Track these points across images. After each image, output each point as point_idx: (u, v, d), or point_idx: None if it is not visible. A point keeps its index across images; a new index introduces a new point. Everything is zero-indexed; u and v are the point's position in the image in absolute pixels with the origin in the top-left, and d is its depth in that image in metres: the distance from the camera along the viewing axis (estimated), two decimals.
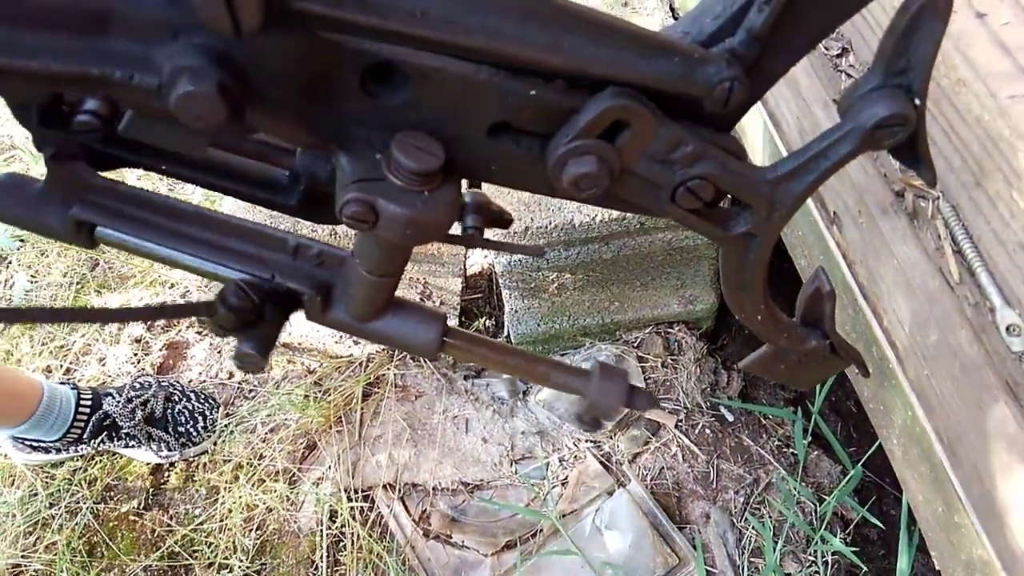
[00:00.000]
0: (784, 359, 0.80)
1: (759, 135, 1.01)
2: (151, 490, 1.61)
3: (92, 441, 1.54)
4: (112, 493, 1.61)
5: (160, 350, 1.79)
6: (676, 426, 1.59)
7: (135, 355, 1.78)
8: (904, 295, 0.73)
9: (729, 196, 0.56)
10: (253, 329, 0.60)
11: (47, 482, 1.61)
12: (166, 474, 1.62)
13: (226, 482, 1.59)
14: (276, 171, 0.64)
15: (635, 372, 1.64)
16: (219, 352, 1.79)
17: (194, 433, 1.60)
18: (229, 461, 1.61)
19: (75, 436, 1.53)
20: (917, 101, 0.59)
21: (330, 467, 1.58)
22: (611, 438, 1.59)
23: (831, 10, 0.55)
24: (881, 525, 1.45)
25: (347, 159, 0.50)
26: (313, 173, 0.62)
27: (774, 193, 0.62)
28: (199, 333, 1.83)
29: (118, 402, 1.53)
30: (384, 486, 1.56)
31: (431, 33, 0.43)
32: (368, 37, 0.44)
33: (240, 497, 1.55)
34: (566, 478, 1.55)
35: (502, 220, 0.70)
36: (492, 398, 1.66)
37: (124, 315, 0.64)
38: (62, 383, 1.55)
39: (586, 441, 1.59)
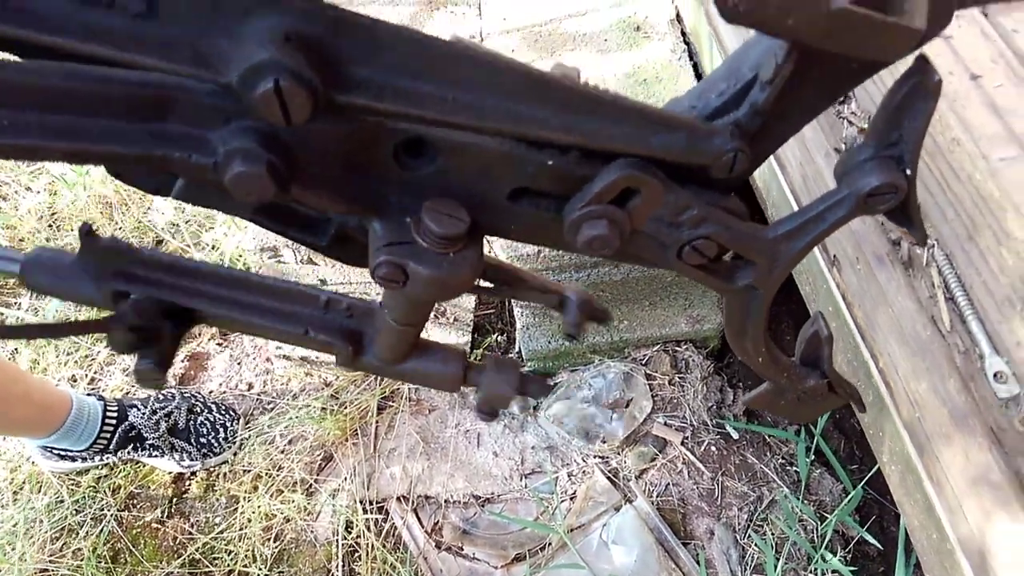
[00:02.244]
0: (784, 396, 0.85)
1: (765, 177, 1.05)
2: (173, 498, 1.66)
3: (118, 451, 1.60)
4: (135, 501, 1.66)
5: (182, 361, 1.85)
6: (682, 443, 1.63)
7: (132, 386, 1.83)
8: (898, 342, 0.77)
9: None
10: (151, 347, 0.64)
11: (73, 489, 1.67)
12: (188, 483, 1.68)
13: (245, 492, 1.64)
14: (309, 211, 0.68)
15: (643, 389, 1.69)
16: (239, 364, 1.84)
17: (215, 444, 1.66)
18: (248, 471, 1.66)
19: (102, 446, 1.58)
20: (908, 171, 0.64)
21: (346, 479, 1.63)
22: (619, 454, 1.63)
23: (828, 88, 0.60)
24: (880, 545, 1.49)
25: (380, 223, 0.55)
26: (344, 218, 0.67)
27: (774, 251, 0.67)
28: (219, 345, 1.88)
29: (143, 414, 1.59)
30: (398, 498, 1.61)
31: (460, 119, 0.48)
32: (404, 121, 0.49)
33: (259, 507, 1.61)
34: (574, 493, 1.59)
35: (602, 316, 0.77)
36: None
37: (24, 332, 0.69)
38: (89, 395, 1.60)
39: (594, 456, 1.63)
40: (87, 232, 0.62)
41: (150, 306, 0.63)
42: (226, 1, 0.41)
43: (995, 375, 0.74)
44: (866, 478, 1.47)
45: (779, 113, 0.56)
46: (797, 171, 0.94)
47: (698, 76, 1.66)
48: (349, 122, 0.47)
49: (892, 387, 0.81)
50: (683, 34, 1.74)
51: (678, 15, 1.78)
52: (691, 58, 1.68)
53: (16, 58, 0.44)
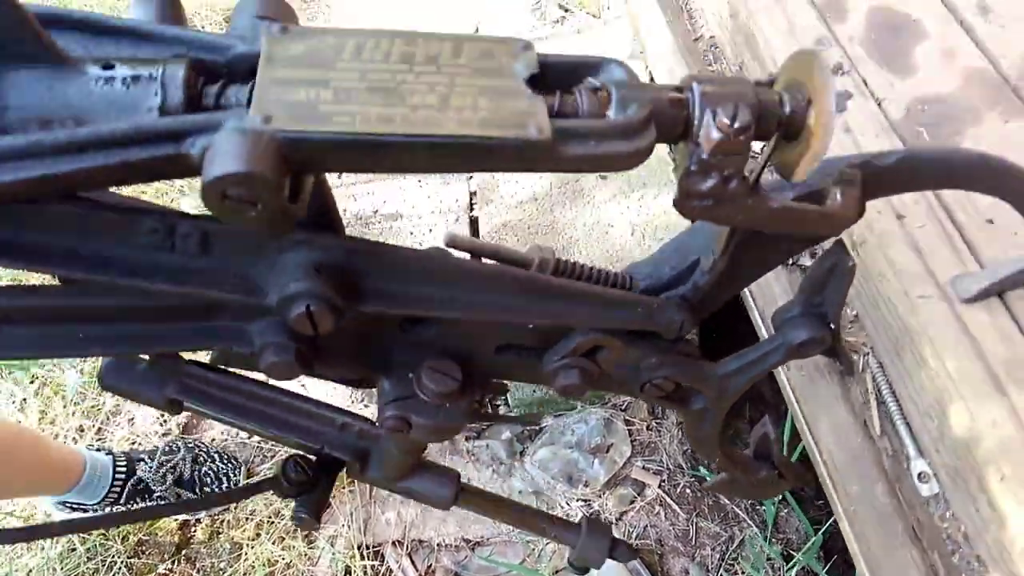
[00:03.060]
0: (741, 483, 0.96)
1: None
2: (180, 545, 1.75)
3: (128, 503, 1.69)
4: (144, 548, 1.76)
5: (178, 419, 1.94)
6: (660, 486, 1.74)
7: (161, 415, 1.92)
8: (836, 445, 0.87)
9: None
10: (309, 495, 0.77)
11: (84, 538, 1.76)
12: (193, 530, 1.77)
13: (248, 538, 1.73)
14: None
15: (623, 434, 1.79)
16: None
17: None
18: (251, 519, 1.75)
19: (113, 499, 1.67)
20: (832, 326, 0.76)
21: (343, 524, 1.73)
22: (600, 496, 1.74)
23: (759, 268, 0.71)
24: None
25: (387, 381, 0.66)
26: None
27: (722, 385, 0.79)
28: None
29: (150, 467, 1.68)
30: (393, 543, 1.71)
31: (457, 313, 0.58)
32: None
33: (262, 553, 1.70)
34: None
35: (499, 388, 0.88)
36: (492, 458, 1.80)
37: (199, 504, 0.80)
38: (98, 450, 1.69)
39: (577, 500, 1.74)
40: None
41: (307, 463, 0.74)
42: (266, 242, 0.51)
43: (919, 475, 0.85)
44: (829, 523, 1.58)
45: (718, 288, 0.68)
46: (759, 295, 1.05)
47: None
48: (365, 315, 0.57)
49: (833, 479, 0.92)
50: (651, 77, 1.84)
51: (651, 77, 1.88)
52: None
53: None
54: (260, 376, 0.60)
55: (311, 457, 0.76)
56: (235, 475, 1.78)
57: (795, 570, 1.57)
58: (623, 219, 1.67)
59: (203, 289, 0.52)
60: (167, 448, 1.74)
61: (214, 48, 0.47)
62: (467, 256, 0.67)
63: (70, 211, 0.47)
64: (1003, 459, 0.70)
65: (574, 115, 0.47)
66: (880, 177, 0.62)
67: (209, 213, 0.40)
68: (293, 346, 0.58)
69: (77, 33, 0.47)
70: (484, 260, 0.66)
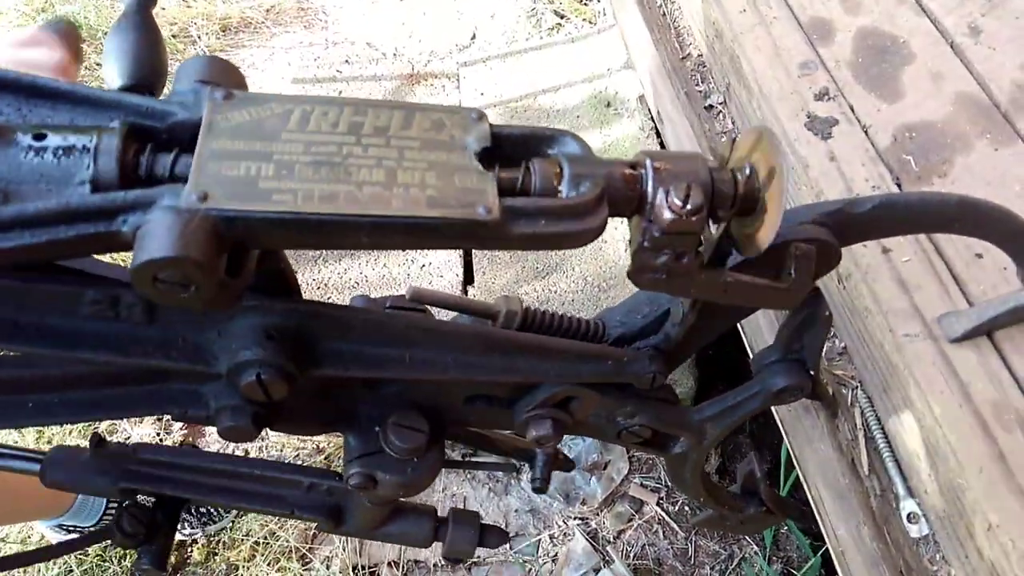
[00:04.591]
0: (729, 519, 0.94)
1: None
2: (177, 565, 1.75)
3: None
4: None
5: (181, 429, 1.93)
6: (658, 503, 1.72)
7: (158, 434, 1.92)
8: (823, 483, 0.85)
9: None
10: (150, 544, 0.74)
11: (81, 559, 1.76)
12: (189, 550, 1.77)
13: (244, 559, 1.73)
14: None
15: (620, 451, 1.77)
16: None
17: (214, 513, 1.75)
18: (246, 540, 1.75)
19: (108, 521, 1.67)
20: (812, 372, 0.74)
21: (339, 545, 1.72)
22: (598, 515, 1.72)
23: (728, 320, 0.70)
24: None
25: (352, 436, 0.65)
26: None
27: (700, 430, 0.77)
28: None
29: None
30: (389, 563, 1.70)
31: (417, 374, 0.57)
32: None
33: (257, 574, 1.70)
34: (556, 555, 1.68)
35: (568, 467, 0.87)
36: (488, 476, 1.79)
37: (41, 555, 0.79)
38: None
39: (575, 518, 1.72)
40: (97, 442, 0.71)
41: (141, 512, 0.72)
42: (213, 311, 0.50)
43: (908, 516, 0.83)
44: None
45: (690, 338, 0.66)
46: (750, 332, 1.03)
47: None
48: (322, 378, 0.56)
49: (822, 516, 0.90)
50: (651, 110, 1.82)
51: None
52: (658, 136, 1.76)
53: None
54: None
55: (146, 504, 0.73)
56: None
57: None
58: (616, 235, 1.65)
59: (151, 359, 0.50)
60: None
61: (154, 115, 0.45)
62: (434, 310, 0.66)
63: (8, 284, 0.46)
64: (990, 508, 0.68)
65: (526, 190, 0.45)
66: (856, 224, 0.60)
67: None
68: (250, 408, 0.56)
69: (11, 95, 0.45)
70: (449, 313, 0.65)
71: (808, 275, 0.55)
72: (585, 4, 2.43)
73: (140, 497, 0.71)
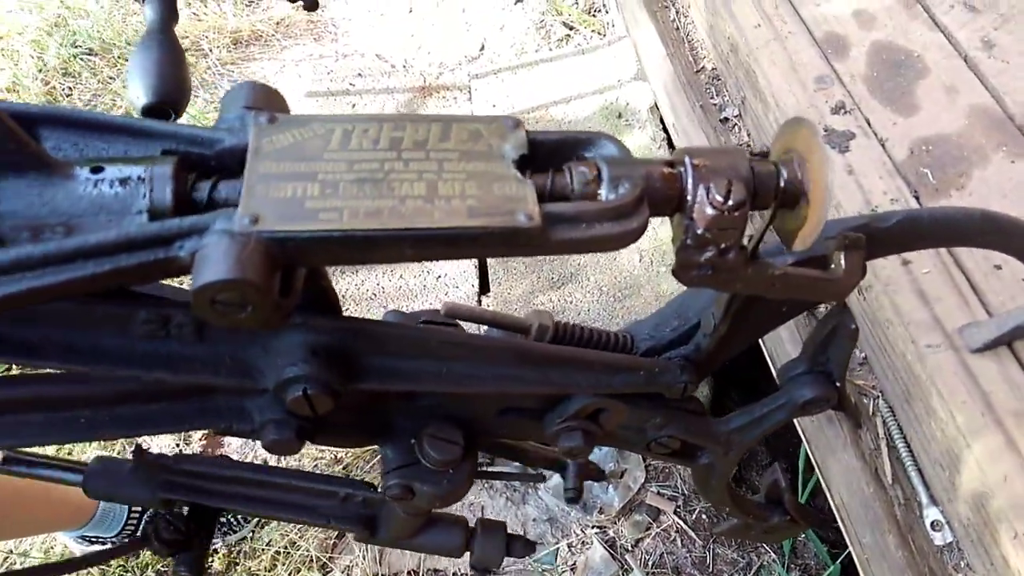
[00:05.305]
0: (753, 528, 0.95)
1: None
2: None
3: None
4: None
5: (200, 439, 1.95)
6: (675, 512, 1.73)
7: (177, 444, 1.94)
8: (847, 492, 0.86)
9: None
10: (187, 552, 0.76)
11: (104, 569, 1.77)
12: (210, 560, 1.78)
13: (264, 568, 1.74)
14: None
15: (636, 460, 1.78)
16: (254, 441, 1.95)
17: (234, 522, 1.76)
18: (267, 550, 1.76)
19: (130, 532, 1.69)
20: (837, 383, 0.75)
21: (359, 555, 1.73)
22: (615, 523, 1.73)
23: (760, 330, 0.71)
24: None
25: (390, 448, 0.66)
26: None
27: (728, 441, 0.78)
28: None
29: None
30: (408, 572, 1.71)
31: (455, 386, 0.58)
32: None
33: None
34: (575, 563, 1.69)
35: (599, 477, 0.89)
36: (505, 486, 1.80)
37: (75, 564, 0.80)
38: None
39: (592, 527, 1.73)
40: (138, 452, 0.73)
41: (179, 521, 0.74)
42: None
43: (932, 524, 0.84)
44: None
45: (720, 348, 0.67)
46: (772, 350, 1.04)
47: None
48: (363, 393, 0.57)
49: (845, 525, 0.91)
50: (662, 121, 1.83)
51: (656, 103, 1.87)
52: (670, 145, 1.77)
53: None
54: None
55: (182, 512, 0.74)
56: None
57: None
58: (631, 246, 1.66)
59: (199, 376, 0.52)
60: None
61: (202, 142, 0.47)
62: (470, 325, 0.67)
63: (65, 307, 0.47)
64: (1016, 517, 0.69)
65: (565, 195, 0.46)
66: (881, 239, 0.61)
67: None
68: (294, 422, 0.58)
69: (65, 130, 0.47)
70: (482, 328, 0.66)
71: (859, 264, 0.55)
72: (594, 15, 2.46)
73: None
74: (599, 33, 2.39)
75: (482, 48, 2.53)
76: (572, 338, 0.66)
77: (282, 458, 1.88)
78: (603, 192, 0.46)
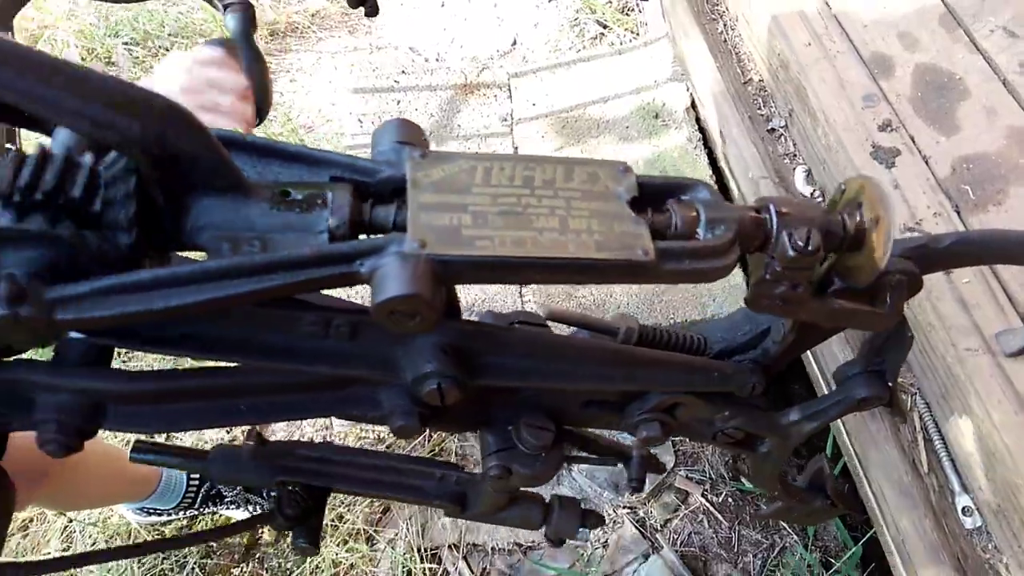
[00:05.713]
0: (795, 511, 1.04)
1: None
2: (249, 546, 1.87)
3: (201, 507, 1.81)
4: (215, 549, 1.87)
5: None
6: (702, 495, 1.83)
7: (227, 431, 2.03)
8: (886, 480, 0.95)
9: None
10: (305, 524, 0.85)
11: (142, 561, 1.87)
12: (261, 532, 1.88)
13: None
14: None
15: (666, 445, 1.88)
16: (300, 421, 2.04)
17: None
18: None
19: (187, 504, 1.79)
20: (891, 383, 0.84)
21: (403, 527, 1.83)
22: (645, 504, 1.83)
23: (820, 339, 0.79)
24: None
25: (490, 434, 0.75)
26: None
27: (787, 432, 0.87)
28: None
29: None
30: (450, 546, 1.81)
31: (554, 383, 0.67)
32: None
33: (327, 555, 1.81)
34: (606, 541, 1.79)
35: (660, 469, 0.98)
36: None
37: (200, 537, 0.89)
38: None
39: (623, 507, 1.83)
40: (257, 437, 0.82)
41: (297, 496, 0.83)
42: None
43: (963, 509, 0.93)
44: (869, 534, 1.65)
45: (785, 353, 0.76)
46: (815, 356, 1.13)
47: (712, 162, 1.82)
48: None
49: (882, 511, 1.00)
50: (697, 121, 1.90)
51: (693, 103, 1.94)
52: (705, 145, 1.84)
53: None
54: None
55: (296, 490, 0.82)
56: None
57: None
58: None
59: (353, 370, 0.60)
60: None
61: (365, 171, 0.55)
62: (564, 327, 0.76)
63: (247, 311, 0.56)
64: None
65: (668, 232, 0.54)
66: (936, 257, 0.69)
67: (358, 307, 0.48)
68: (417, 410, 0.66)
69: (248, 155, 0.55)
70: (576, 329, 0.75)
71: (901, 301, 0.64)
72: (627, 15, 2.52)
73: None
74: (633, 32, 2.45)
75: (514, 43, 2.60)
76: (655, 340, 0.75)
77: (325, 435, 1.98)
78: (700, 232, 0.54)
